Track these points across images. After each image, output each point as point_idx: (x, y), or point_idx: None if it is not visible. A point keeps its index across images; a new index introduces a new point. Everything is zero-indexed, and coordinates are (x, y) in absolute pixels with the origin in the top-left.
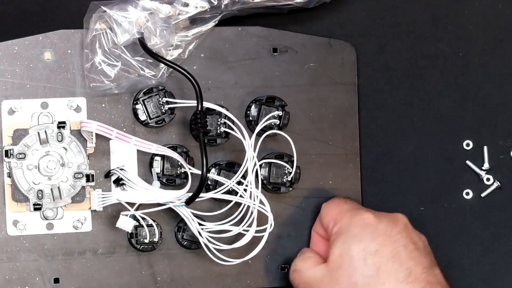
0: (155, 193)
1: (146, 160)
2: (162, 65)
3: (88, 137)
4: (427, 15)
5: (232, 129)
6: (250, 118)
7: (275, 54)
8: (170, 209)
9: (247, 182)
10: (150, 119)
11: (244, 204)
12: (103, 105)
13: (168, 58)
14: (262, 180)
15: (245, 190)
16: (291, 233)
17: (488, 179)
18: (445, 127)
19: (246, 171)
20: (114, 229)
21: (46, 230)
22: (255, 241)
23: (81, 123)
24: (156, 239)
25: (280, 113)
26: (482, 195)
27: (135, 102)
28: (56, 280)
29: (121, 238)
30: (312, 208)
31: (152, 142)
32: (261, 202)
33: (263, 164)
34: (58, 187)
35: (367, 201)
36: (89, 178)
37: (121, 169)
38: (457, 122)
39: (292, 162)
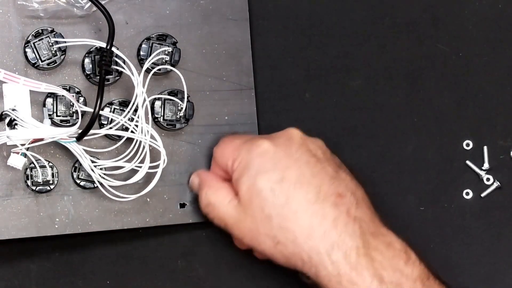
0: (45, 130)
1: (40, 103)
2: None
3: None
4: (427, 15)
5: (123, 68)
6: (141, 57)
7: None
8: (66, 150)
9: (137, 117)
10: (42, 61)
11: (137, 140)
12: None
13: None
14: (157, 118)
15: (136, 126)
16: (189, 170)
17: (488, 179)
18: (445, 127)
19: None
20: (10, 172)
21: None
22: (152, 178)
23: None
24: (49, 179)
25: (170, 49)
26: (482, 195)
27: (26, 45)
28: None
29: (17, 181)
30: (209, 144)
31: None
32: (153, 138)
33: (156, 101)
34: None
35: None
36: None
37: (13, 110)
38: (457, 122)
39: (186, 98)
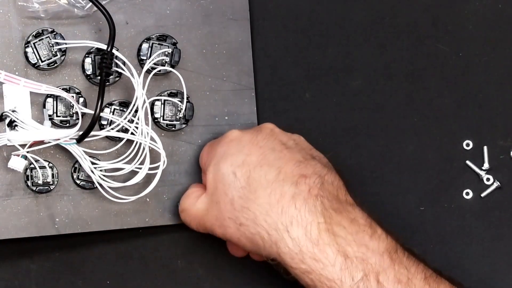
0: (46, 132)
1: (40, 103)
2: None
3: None
4: (427, 15)
5: (123, 69)
6: (142, 57)
7: None
8: (66, 151)
9: (137, 119)
10: (42, 61)
11: (137, 142)
12: None
13: None
14: (157, 118)
15: (136, 127)
16: (188, 170)
17: (488, 179)
18: (445, 127)
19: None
20: (10, 172)
21: None
22: (151, 179)
23: None
24: (49, 180)
25: (170, 50)
26: (482, 195)
27: (26, 46)
28: None
29: (17, 181)
30: None
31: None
32: (153, 139)
33: (156, 102)
34: None
35: (367, 201)
36: None
37: (13, 111)
38: (457, 122)
39: (186, 99)
